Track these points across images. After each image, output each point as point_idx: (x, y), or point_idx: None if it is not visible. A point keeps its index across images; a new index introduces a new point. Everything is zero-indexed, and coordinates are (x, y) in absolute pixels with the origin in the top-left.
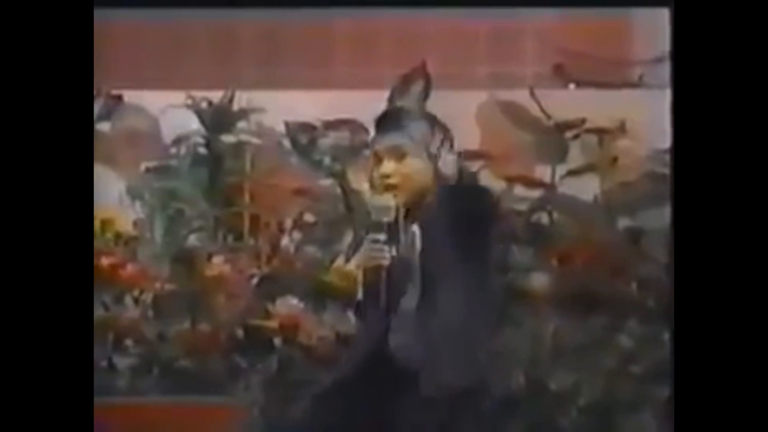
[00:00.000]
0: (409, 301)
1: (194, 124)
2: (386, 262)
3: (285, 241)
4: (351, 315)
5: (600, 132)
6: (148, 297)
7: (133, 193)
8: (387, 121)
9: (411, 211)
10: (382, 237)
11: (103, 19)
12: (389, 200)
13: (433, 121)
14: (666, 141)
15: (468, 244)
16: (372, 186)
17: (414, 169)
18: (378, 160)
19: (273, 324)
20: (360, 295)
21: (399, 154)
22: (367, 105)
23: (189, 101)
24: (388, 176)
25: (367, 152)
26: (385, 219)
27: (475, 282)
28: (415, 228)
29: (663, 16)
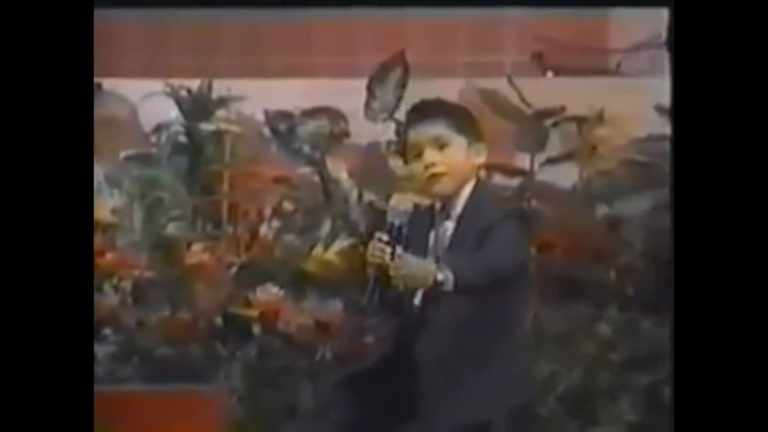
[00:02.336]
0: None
1: (173, 112)
2: (388, 261)
3: (264, 229)
4: (330, 302)
5: (579, 120)
6: (127, 285)
7: (112, 181)
8: (425, 110)
9: (447, 203)
10: (388, 238)
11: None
12: (407, 203)
13: (467, 113)
14: (644, 129)
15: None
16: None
17: (456, 159)
18: (418, 149)
19: (252, 312)
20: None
21: (440, 144)
22: (346, 93)
23: (168, 89)
24: (433, 164)
25: (346, 140)
26: (397, 221)
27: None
28: (449, 224)
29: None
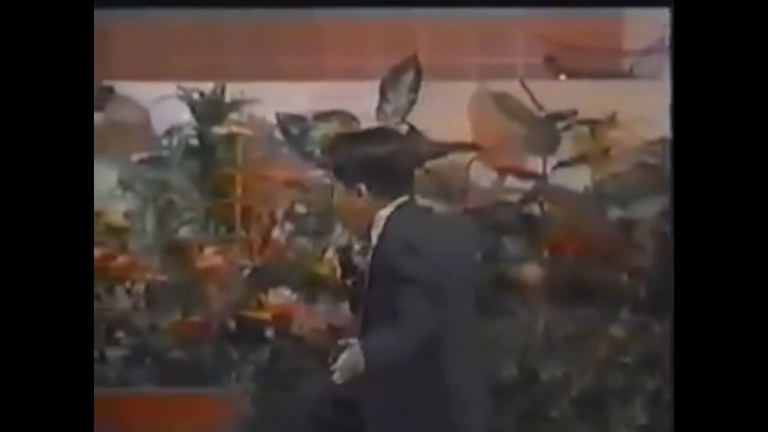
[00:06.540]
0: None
1: (186, 115)
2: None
3: (276, 232)
4: (342, 305)
5: (591, 123)
6: (140, 288)
7: (125, 185)
8: (332, 148)
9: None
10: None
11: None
12: (338, 237)
13: (349, 154)
14: (656, 131)
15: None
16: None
17: (340, 203)
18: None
19: (265, 315)
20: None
21: (335, 189)
22: (358, 96)
23: (180, 92)
24: (337, 208)
25: None
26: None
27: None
28: (364, 261)
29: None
